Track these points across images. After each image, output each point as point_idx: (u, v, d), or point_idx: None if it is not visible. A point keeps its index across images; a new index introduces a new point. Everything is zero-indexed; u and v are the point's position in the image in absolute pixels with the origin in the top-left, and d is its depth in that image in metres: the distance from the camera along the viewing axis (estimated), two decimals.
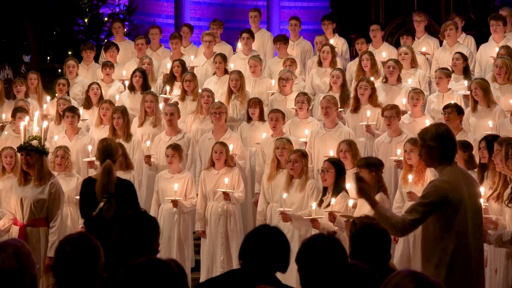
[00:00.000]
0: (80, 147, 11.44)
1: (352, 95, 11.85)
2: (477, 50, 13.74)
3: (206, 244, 10.46)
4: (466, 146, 9.30)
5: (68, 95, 13.13)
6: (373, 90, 11.60)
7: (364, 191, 6.23)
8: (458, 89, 12.08)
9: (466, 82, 12.14)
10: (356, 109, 11.55)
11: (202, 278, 10.13)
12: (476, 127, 10.93)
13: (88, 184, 8.15)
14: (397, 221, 6.11)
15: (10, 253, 3.72)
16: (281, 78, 12.45)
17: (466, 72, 12.45)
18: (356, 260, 5.01)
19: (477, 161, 9.18)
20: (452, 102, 11.08)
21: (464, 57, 12.52)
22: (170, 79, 13.27)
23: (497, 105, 11.14)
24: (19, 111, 11.76)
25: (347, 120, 11.59)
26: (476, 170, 8.84)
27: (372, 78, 12.49)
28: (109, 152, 8.16)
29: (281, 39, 14.15)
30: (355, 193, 7.65)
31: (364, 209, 8.48)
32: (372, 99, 11.53)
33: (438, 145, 6.18)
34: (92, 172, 10.82)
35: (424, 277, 3.49)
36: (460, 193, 6.16)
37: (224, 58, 13.28)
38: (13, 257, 3.71)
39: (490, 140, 8.66)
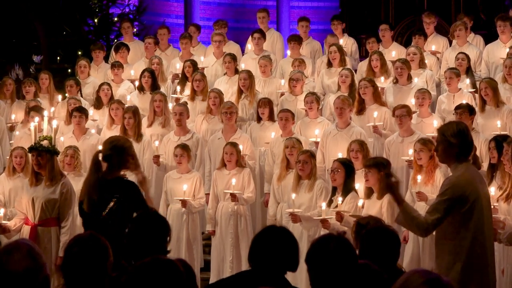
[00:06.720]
0: (88, 147, 11.40)
1: (356, 98, 11.73)
2: None
3: (216, 244, 10.47)
4: None
5: (81, 95, 13.16)
6: (375, 87, 11.55)
7: (392, 188, 6.24)
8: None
9: (468, 81, 12.12)
10: (360, 111, 11.51)
11: (212, 279, 10.15)
12: (484, 127, 10.90)
13: None
14: (422, 222, 6.16)
15: (25, 253, 3.74)
16: (291, 78, 12.43)
17: (469, 72, 12.46)
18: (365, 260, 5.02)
19: (481, 161, 9.17)
20: (464, 102, 11.07)
21: (468, 58, 12.54)
22: (182, 79, 13.28)
23: (505, 105, 11.12)
24: (34, 110, 11.73)
25: (353, 121, 11.55)
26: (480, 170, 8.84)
27: (382, 78, 12.48)
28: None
29: (296, 39, 14.14)
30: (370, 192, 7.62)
31: (372, 209, 8.51)
32: (376, 97, 11.49)
33: (458, 141, 6.19)
34: None
35: (435, 276, 3.49)
36: (476, 189, 6.21)
37: (234, 57, 13.27)
38: (28, 256, 3.73)
39: (499, 141, 8.66)
